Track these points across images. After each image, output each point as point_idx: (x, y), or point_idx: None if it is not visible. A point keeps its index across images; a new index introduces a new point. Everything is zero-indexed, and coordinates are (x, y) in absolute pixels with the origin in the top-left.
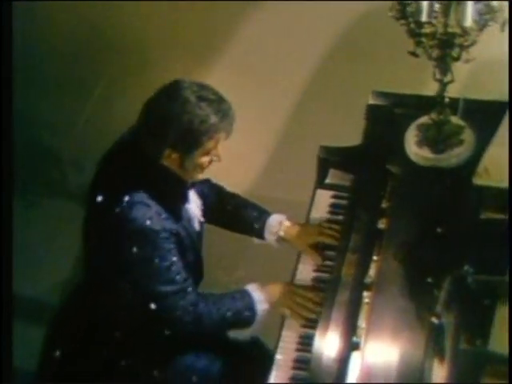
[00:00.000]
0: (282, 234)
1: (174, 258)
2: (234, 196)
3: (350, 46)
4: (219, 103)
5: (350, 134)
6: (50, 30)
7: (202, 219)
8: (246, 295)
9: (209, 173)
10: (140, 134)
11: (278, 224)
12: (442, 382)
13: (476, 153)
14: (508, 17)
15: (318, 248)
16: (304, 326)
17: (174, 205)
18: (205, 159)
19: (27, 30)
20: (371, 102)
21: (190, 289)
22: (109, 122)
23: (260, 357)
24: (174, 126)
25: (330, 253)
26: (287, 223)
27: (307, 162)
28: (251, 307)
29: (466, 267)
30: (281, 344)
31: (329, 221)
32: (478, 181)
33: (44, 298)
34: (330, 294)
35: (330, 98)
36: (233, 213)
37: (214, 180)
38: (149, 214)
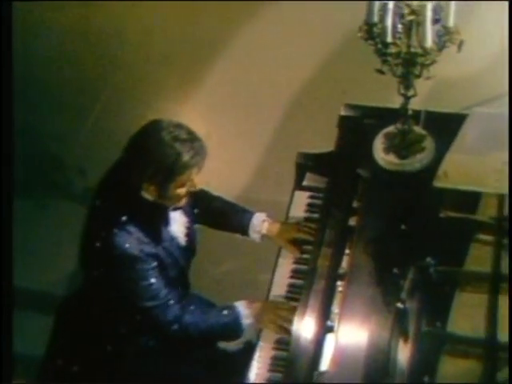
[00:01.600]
0: (264, 231)
1: (153, 279)
2: (219, 198)
3: (326, 66)
4: (192, 142)
5: (324, 141)
6: (53, 40)
7: (189, 233)
8: (234, 310)
9: (202, 177)
10: (122, 169)
11: (260, 222)
12: (406, 359)
13: (436, 158)
14: (508, 17)
15: (297, 243)
16: None
17: (153, 230)
18: (180, 190)
19: (30, 38)
20: (343, 113)
21: (172, 302)
22: (110, 131)
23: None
24: (150, 163)
25: (308, 247)
26: (269, 221)
27: (286, 167)
28: (238, 321)
29: (427, 259)
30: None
31: (306, 219)
32: (438, 183)
33: (50, 289)
34: (308, 284)
35: (307, 109)
36: (219, 214)
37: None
38: (129, 240)
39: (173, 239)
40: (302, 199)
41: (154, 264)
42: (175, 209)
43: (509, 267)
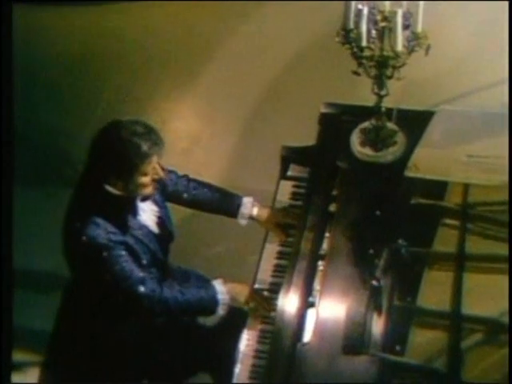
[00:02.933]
0: (253, 214)
1: (124, 263)
2: (209, 185)
3: (308, 68)
4: (149, 134)
5: (307, 136)
6: (58, 43)
7: (161, 221)
8: (210, 287)
9: (195, 168)
10: (89, 169)
11: (249, 206)
12: (380, 331)
13: (407, 151)
14: (508, 17)
15: (283, 227)
16: (270, 291)
17: (120, 220)
18: (145, 179)
19: (37, 41)
20: (323, 110)
21: (146, 280)
22: None
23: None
24: (112, 158)
25: (292, 231)
26: (257, 206)
27: (272, 159)
28: (214, 297)
29: (399, 241)
30: (251, 305)
31: (290, 206)
32: (409, 174)
33: (57, 271)
34: (292, 264)
35: (291, 107)
36: (210, 198)
37: (192, 175)
38: (97, 231)
39: (142, 227)
40: (286, 188)
41: (123, 251)
42: (144, 199)
43: (509, 262)
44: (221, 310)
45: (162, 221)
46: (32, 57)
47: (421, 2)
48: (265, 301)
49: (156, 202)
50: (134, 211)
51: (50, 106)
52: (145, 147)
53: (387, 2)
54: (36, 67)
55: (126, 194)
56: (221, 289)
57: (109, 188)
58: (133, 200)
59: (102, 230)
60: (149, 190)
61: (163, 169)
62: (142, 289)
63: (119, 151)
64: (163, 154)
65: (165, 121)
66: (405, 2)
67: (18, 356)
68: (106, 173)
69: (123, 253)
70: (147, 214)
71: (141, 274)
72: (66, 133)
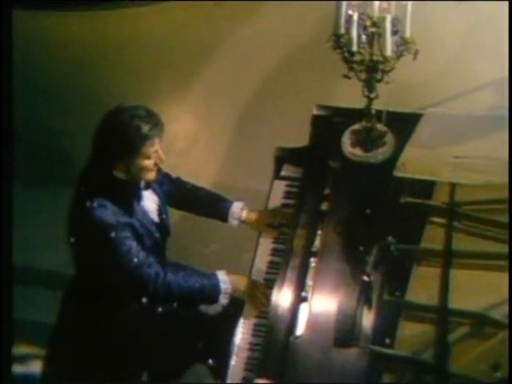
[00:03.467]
0: (243, 218)
1: (131, 243)
2: (202, 189)
3: (301, 72)
4: (149, 117)
5: (300, 137)
6: (60, 48)
7: (161, 212)
8: (213, 276)
9: (192, 169)
10: (95, 155)
11: (239, 210)
12: (370, 324)
13: (396, 152)
14: (508, 17)
15: (272, 226)
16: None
17: (126, 204)
18: (148, 162)
19: (39, 46)
20: (315, 112)
21: (152, 263)
22: None
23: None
24: (115, 141)
25: (285, 229)
26: (246, 209)
27: (266, 159)
28: (216, 285)
29: (389, 238)
30: (251, 294)
31: (284, 204)
32: (398, 173)
33: (60, 269)
34: (285, 260)
35: (284, 109)
36: (202, 202)
37: (184, 178)
38: (105, 212)
39: (145, 213)
40: (280, 187)
41: (129, 233)
42: (146, 188)
43: (509, 261)
44: (223, 299)
45: (161, 211)
46: (33, 61)
47: (408, 9)
48: (264, 292)
49: (156, 193)
50: (139, 197)
51: (51, 109)
52: (145, 129)
53: (376, 8)
54: (37, 71)
55: (131, 179)
56: (223, 278)
57: (116, 173)
58: (137, 186)
59: (110, 212)
60: (152, 176)
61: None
62: (147, 270)
63: (120, 133)
64: (163, 137)
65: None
66: (393, 8)
67: (21, 349)
68: (110, 156)
69: (129, 234)
70: (149, 201)
71: (147, 257)
72: (67, 134)
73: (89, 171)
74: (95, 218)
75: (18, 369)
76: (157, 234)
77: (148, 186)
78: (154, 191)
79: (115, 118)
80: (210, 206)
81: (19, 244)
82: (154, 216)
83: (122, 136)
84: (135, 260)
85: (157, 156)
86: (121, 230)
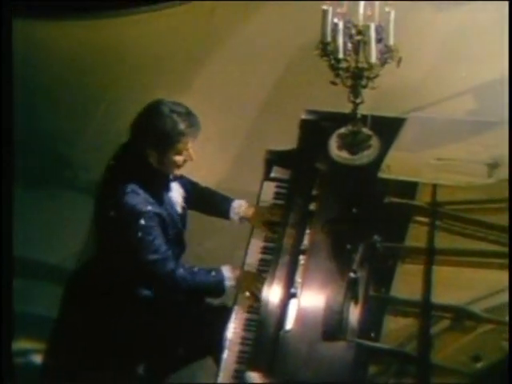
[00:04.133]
0: (242, 214)
1: (157, 233)
2: (206, 189)
3: (290, 78)
4: (187, 115)
5: (288, 140)
6: (62, 55)
7: (184, 205)
8: (219, 272)
9: (188, 170)
10: (130, 141)
11: (239, 207)
12: (357, 319)
13: (380, 155)
14: (508, 17)
15: (268, 224)
16: None
17: (157, 193)
18: (178, 158)
19: (40, 53)
20: (304, 117)
21: (169, 257)
22: (110, 134)
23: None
24: (151, 131)
25: (275, 228)
26: (246, 206)
27: (257, 162)
28: (222, 282)
29: (374, 237)
30: (239, 296)
31: (274, 205)
32: (382, 175)
33: (60, 264)
34: (275, 258)
35: (274, 114)
36: (207, 201)
37: (191, 178)
38: (137, 199)
39: (172, 205)
40: (270, 188)
41: (157, 222)
42: (174, 179)
43: (509, 260)
44: (228, 293)
45: (185, 204)
46: (33, 69)
47: (392, 17)
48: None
49: (182, 185)
50: (168, 187)
51: (51, 115)
52: (182, 126)
53: (361, 17)
54: (37, 79)
55: (162, 169)
56: (229, 275)
57: (150, 160)
58: (167, 176)
59: (142, 199)
60: (179, 171)
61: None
62: (163, 265)
63: (158, 125)
64: (197, 137)
65: None
66: (377, 16)
67: (21, 344)
68: (145, 144)
69: (156, 224)
70: (176, 193)
71: (166, 251)
72: (66, 139)
73: (123, 155)
74: (127, 203)
75: (18, 362)
76: (180, 225)
77: (175, 177)
78: (180, 183)
79: (157, 109)
80: (215, 204)
81: (19, 240)
82: (179, 208)
83: (159, 127)
84: (155, 254)
85: (187, 154)
86: (149, 218)
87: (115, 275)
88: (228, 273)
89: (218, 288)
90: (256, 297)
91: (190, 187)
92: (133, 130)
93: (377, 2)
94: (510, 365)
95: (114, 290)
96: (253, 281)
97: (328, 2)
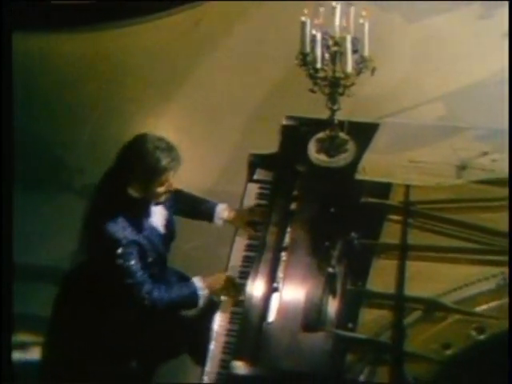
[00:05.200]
0: (225, 218)
1: (133, 261)
2: (190, 195)
3: (271, 87)
4: (169, 151)
5: (270, 144)
6: (59, 67)
7: (166, 224)
8: (191, 285)
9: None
10: (114, 171)
11: (222, 211)
12: (335, 311)
13: (356, 157)
14: (508, 17)
15: (251, 224)
16: (240, 279)
17: (136, 221)
18: (160, 189)
19: (37, 64)
20: (284, 123)
21: (146, 281)
22: (103, 139)
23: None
24: (136, 167)
25: (258, 227)
26: (228, 209)
27: (241, 165)
28: (195, 293)
29: (351, 234)
30: (224, 292)
31: (257, 205)
32: (358, 176)
33: (56, 264)
34: (258, 255)
35: (256, 120)
36: (191, 207)
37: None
38: (116, 228)
39: (152, 229)
40: (253, 189)
41: (135, 249)
42: (157, 204)
43: (509, 260)
44: (201, 303)
45: (169, 223)
46: (32, 79)
47: (366, 29)
48: (237, 286)
49: (166, 207)
50: (148, 214)
51: (48, 122)
52: (164, 161)
53: (337, 29)
54: (36, 88)
55: (143, 198)
56: (200, 285)
57: (130, 191)
58: (148, 204)
59: (120, 228)
60: (162, 199)
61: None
62: (139, 289)
63: (142, 161)
64: (178, 170)
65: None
66: (352, 28)
67: (21, 337)
68: (129, 178)
69: (134, 251)
70: (157, 216)
71: (141, 277)
72: (62, 144)
73: (105, 186)
74: (106, 232)
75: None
76: (160, 246)
77: (158, 202)
78: (165, 206)
79: (141, 144)
80: (199, 209)
81: (19, 241)
82: (161, 229)
83: (143, 164)
84: (132, 279)
85: (169, 184)
86: (127, 246)
87: (101, 284)
88: (199, 283)
89: (192, 300)
90: (234, 297)
91: (175, 195)
92: (117, 162)
93: (352, 14)
94: (510, 365)
95: (102, 293)
96: (225, 284)
97: (307, 13)
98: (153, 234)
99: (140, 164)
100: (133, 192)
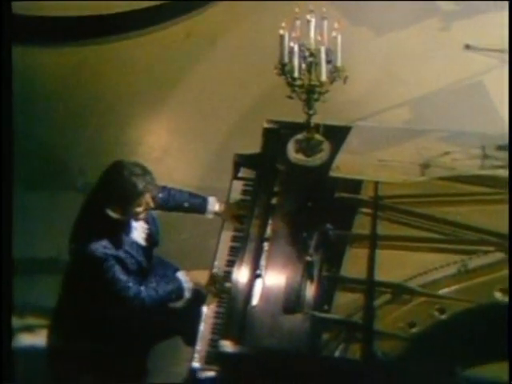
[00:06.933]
0: (216, 209)
1: (115, 272)
2: (181, 191)
3: (254, 95)
4: (144, 175)
5: (253, 146)
6: (56, 80)
7: (147, 237)
8: (176, 279)
9: (166, 173)
10: (94, 197)
11: (214, 204)
12: (312, 295)
13: (331, 157)
14: (508, 17)
15: (238, 217)
16: (226, 266)
17: (115, 238)
18: (139, 209)
19: (37, 76)
20: (266, 126)
21: (131, 285)
22: (101, 143)
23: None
24: (114, 192)
25: (243, 220)
26: (218, 203)
27: (227, 164)
28: (180, 286)
29: (327, 226)
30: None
31: (241, 200)
32: (333, 174)
33: (58, 256)
34: (243, 245)
35: (240, 124)
36: (182, 201)
37: (164, 179)
38: (96, 245)
39: (132, 243)
40: (238, 186)
41: (116, 263)
42: (137, 219)
43: (509, 259)
44: (187, 295)
45: (150, 235)
46: (34, 88)
47: (338, 41)
48: (219, 281)
49: (146, 221)
50: (128, 230)
51: (50, 126)
52: (140, 186)
53: (312, 41)
54: (37, 96)
55: (123, 218)
56: (184, 278)
57: (109, 212)
58: (127, 222)
59: (100, 246)
60: (142, 216)
61: (154, 199)
62: (126, 293)
63: (120, 187)
64: (155, 192)
65: (141, 136)
66: (326, 40)
67: (30, 320)
68: (108, 201)
69: (115, 264)
70: (138, 231)
71: (126, 282)
72: (62, 147)
73: (87, 209)
74: (88, 250)
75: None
76: (141, 258)
77: (138, 219)
78: (145, 220)
79: (116, 172)
80: (190, 204)
81: (23, 237)
82: (142, 242)
83: (120, 189)
84: (117, 285)
85: (147, 204)
86: (107, 260)
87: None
88: (183, 277)
89: (178, 293)
90: (217, 292)
91: (168, 193)
92: (97, 188)
93: (325, 28)
94: (510, 365)
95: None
96: (209, 280)
97: (285, 26)
98: (133, 248)
99: (117, 189)
100: (112, 213)
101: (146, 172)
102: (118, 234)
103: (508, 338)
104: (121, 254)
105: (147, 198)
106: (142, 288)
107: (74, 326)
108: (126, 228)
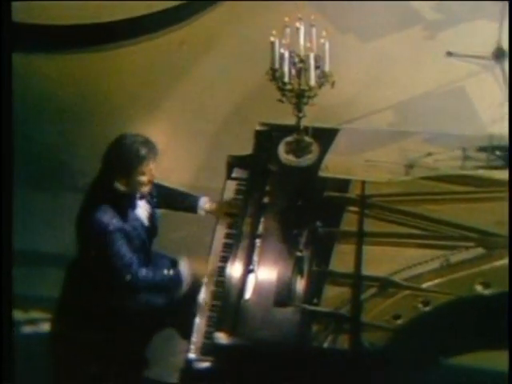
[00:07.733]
0: (207, 208)
1: (120, 245)
2: (175, 190)
3: (246, 98)
4: (146, 143)
5: (246, 147)
6: (56, 84)
7: (149, 217)
8: (177, 268)
9: (163, 173)
10: (101, 170)
11: (204, 203)
12: (302, 289)
13: (320, 158)
14: (508, 17)
15: (229, 215)
16: (220, 262)
17: (123, 211)
18: (143, 178)
19: (37, 84)
20: (258, 128)
21: (133, 263)
22: (101, 144)
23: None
24: (117, 161)
25: (236, 218)
26: (210, 202)
27: (221, 164)
28: (178, 275)
29: (317, 223)
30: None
31: (234, 199)
32: (322, 174)
33: (63, 251)
34: (236, 242)
35: (234, 125)
36: (176, 200)
37: (163, 183)
38: (104, 216)
39: (137, 219)
40: (231, 186)
41: (121, 235)
42: (141, 198)
43: (509, 259)
44: (185, 286)
45: (152, 217)
46: (35, 94)
47: (326, 48)
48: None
49: (149, 202)
50: (133, 205)
51: (51, 130)
52: (143, 152)
53: (302, 47)
54: (39, 101)
55: (129, 191)
56: (184, 268)
57: (116, 185)
58: (133, 196)
59: (108, 216)
60: (146, 189)
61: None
62: (128, 269)
63: (123, 154)
64: (157, 159)
65: None
66: (315, 47)
67: (34, 314)
68: (114, 172)
69: (120, 237)
70: (142, 209)
71: (130, 258)
72: (65, 149)
73: (95, 183)
74: (96, 219)
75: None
76: (144, 236)
77: (142, 196)
78: (147, 201)
79: (120, 142)
80: (183, 202)
81: (26, 232)
82: (145, 221)
83: (124, 156)
84: (121, 260)
85: (150, 173)
86: (114, 232)
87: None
88: (183, 267)
89: (177, 281)
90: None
91: (161, 190)
92: (103, 161)
93: (314, 35)
94: (510, 365)
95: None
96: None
97: (275, 33)
98: (137, 223)
99: (121, 157)
100: (119, 186)
101: (148, 141)
102: (124, 207)
103: (508, 329)
104: (126, 227)
105: (150, 166)
106: (141, 269)
107: (76, 315)
108: (132, 202)
